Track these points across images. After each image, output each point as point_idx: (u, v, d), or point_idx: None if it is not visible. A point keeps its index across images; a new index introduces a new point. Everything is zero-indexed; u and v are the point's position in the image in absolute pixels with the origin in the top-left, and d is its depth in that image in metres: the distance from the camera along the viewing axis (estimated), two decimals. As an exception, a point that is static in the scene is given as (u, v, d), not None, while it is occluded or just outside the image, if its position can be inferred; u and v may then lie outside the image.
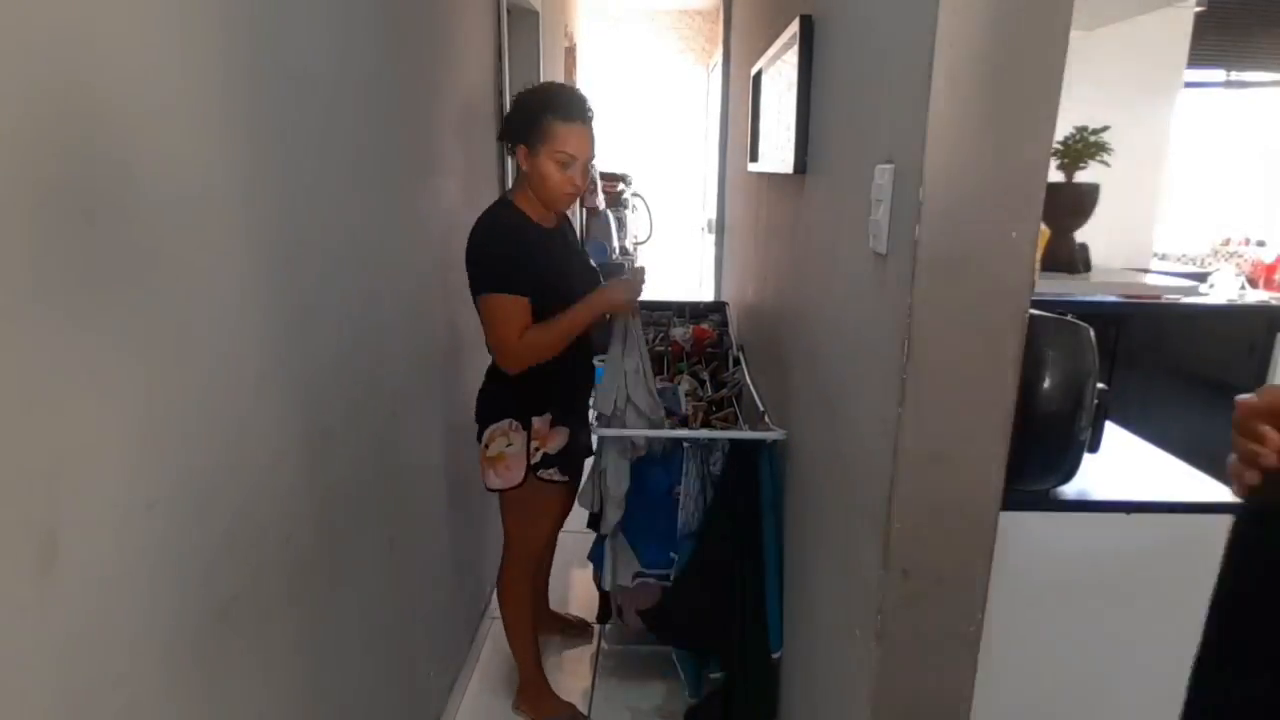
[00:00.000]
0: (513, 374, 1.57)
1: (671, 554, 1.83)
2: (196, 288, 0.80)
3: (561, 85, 1.63)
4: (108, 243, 0.67)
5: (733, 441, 1.66)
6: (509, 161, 2.47)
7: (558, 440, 1.67)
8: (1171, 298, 2.85)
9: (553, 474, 1.67)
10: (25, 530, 0.59)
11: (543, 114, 1.54)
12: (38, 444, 0.60)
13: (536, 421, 1.64)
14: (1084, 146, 2.08)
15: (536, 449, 1.64)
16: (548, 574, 2.11)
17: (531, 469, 1.65)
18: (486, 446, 1.65)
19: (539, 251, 1.59)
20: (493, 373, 1.69)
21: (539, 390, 1.63)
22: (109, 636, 0.69)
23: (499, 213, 1.60)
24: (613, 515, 1.77)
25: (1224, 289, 3.00)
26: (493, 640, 2.18)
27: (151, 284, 0.73)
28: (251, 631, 0.93)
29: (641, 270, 1.76)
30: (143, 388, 0.72)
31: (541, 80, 3.22)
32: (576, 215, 4.13)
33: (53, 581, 0.62)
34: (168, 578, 0.76)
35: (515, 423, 1.63)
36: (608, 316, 1.72)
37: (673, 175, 5.96)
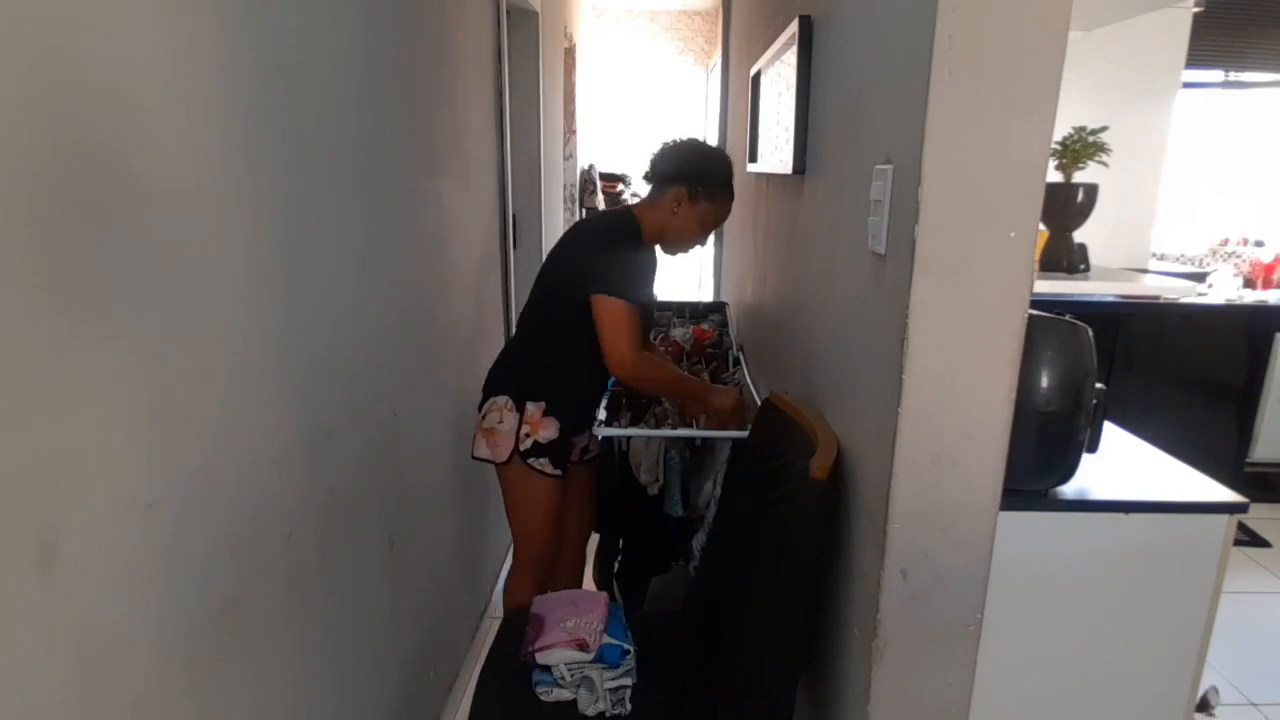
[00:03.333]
0: (619, 377, 1.65)
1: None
2: (196, 287, 0.80)
3: (733, 167, 1.76)
4: (107, 243, 0.67)
5: (733, 442, 1.67)
6: (508, 162, 2.47)
7: (548, 430, 1.68)
8: (1170, 298, 2.86)
9: (544, 464, 1.68)
10: (25, 530, 0.59)
11: (726, 185, 1.72)
12: (38, 444, 0.60)
13: (530, 406, 1.67)
14: (1082, 146, 2.09)
15: (527, 435, 1.67)
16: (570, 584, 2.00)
17: (521, 454, 1.67)
18: (484, 416, 1.70)
19: (651, 275, 1.75)
20: (510, 350, 1.78)
21: (542, 379, 1.68)
22: (109, 636, 0.69)
23: (627, 223, 1.69)
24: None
25: (1222, 289, 3.01)
26: (492, 640, 2.18)
27: (151, 284, 0.73)
28: (251, 631, 0.93)
29: (744, 403, 1.78)
30: (143, 388, 0.72)
31: (540, 82, 3.22)
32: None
33: (53, 582, 0.62)
34: (167, 578, 0.76)
35: (511, 402, 1.67)
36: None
37: (672, 176, 5.95)
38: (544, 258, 1.78)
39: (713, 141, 2.01)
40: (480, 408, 1.72)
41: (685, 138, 1.77)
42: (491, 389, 1.72)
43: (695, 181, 1.67)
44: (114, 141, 0.68)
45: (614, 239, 1.66)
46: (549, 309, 1.70)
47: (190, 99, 0.79)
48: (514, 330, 1.78)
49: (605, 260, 1.62)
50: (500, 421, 1.68)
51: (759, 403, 1.82)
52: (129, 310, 0.70)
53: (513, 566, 1.82)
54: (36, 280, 0.60)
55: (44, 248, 0.61)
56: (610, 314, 1.58)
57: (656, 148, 1.76)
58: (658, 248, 1.77)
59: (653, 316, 1.78)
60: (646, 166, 1.76)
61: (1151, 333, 2.84)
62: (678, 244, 1.75)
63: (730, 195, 1.73)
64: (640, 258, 1.69)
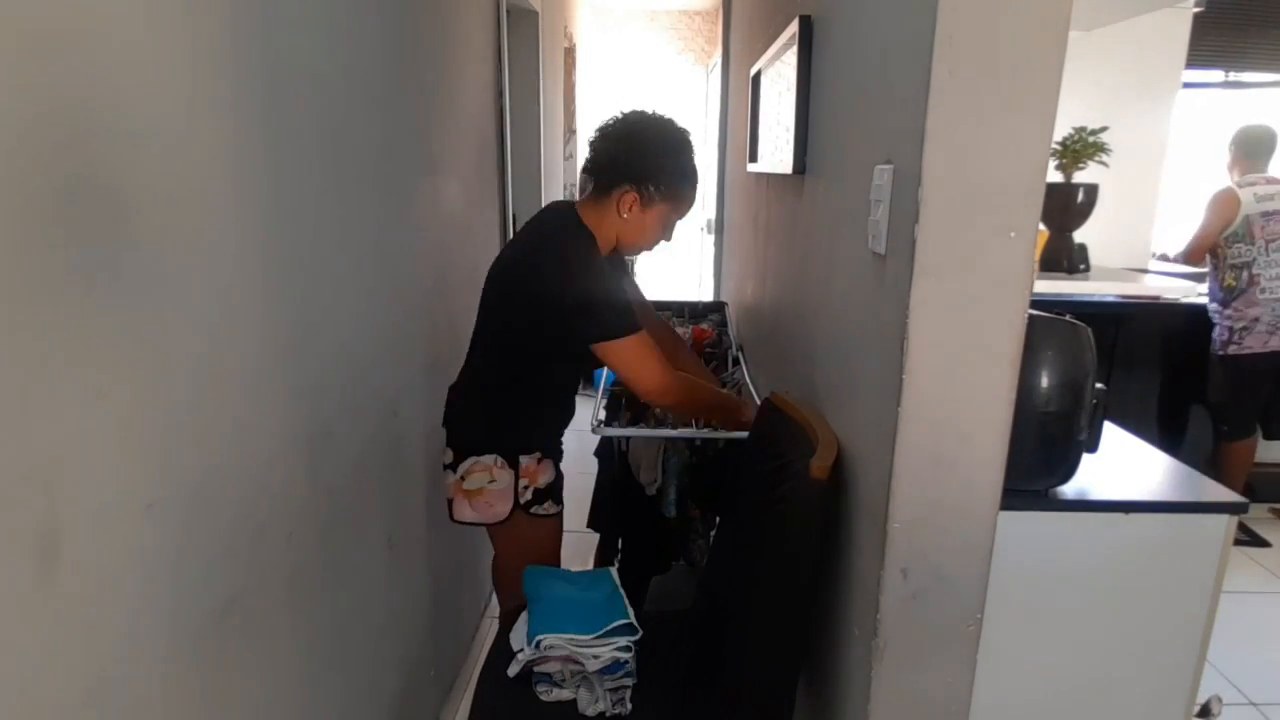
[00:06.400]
0: (660, 406, 1.60)
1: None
2: (197, 287, 0.80)
3: (683, 132, 1.50)
4: (108, 242, 0.67)
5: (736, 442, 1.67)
6: (508, 162, 2.47)
7: (547, 475, 1.55)
8: (1170, 298, 2.86)
9: (548, 507, 1.56)
10: (25, 530, 0.59)
11: (675, 172, 1.45)
12: (37, 444, 0.60)
13: (525, 460, 1.51)
14: (1083, 146, 2.09)
15: (526, 486, 1.52)
16: None
17: (523, 507, 1.53)
18: (463, 478, 1.50)
19: (616, 279, 1.54)
20: (472, 395, 1.55)
21: (526, 428, 1.53)
22: (109, 636, 0.69)
23: (586, 248, 1.44)
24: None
25: (1222, 289, 3.00)
26: (492, 640, 2.18)
27: (152, 284, 0.73)
28: (251, 631, 0.93)
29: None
30: (143, 387, 0.72)
31: (540, 82, 3.22)
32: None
33: (53, 581, 0.62)
34: (168, 578, 0.76)
35: (501, 460, 1.49)
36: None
37: (672, 175, 5.95)
38: None
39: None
40: (455, 466, 1.50)
41: (629, 119, 1.47)
42: (469, 447, 1.50)
43: (646, 179, 1.42)
44: (116, 141, 0.68)
45: (577, 269, 1.40)
46: (515, 352, 1.48)
47: (190, 99, 0.79)
48: (471, 363, 1.58)
49: (583, 301, 1.38)
50: (491, 481, 1.49)
51: (759, 403, 1.82)
52: (129, 310, 0.70)
53: (502, 598, 1.72)
54: (37, 280, 0.60)
55: (45, 247, 0.60)
56: (625, 356, 1.40)
57: (595, 132, 1.47)
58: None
59: (641, 308, 1.64)
60: (587, 154, 1.48)
61: (1151, 333, 2.84)
62: (634, 248, 1.53)
63: (691, 185, 1.48)
64: (612, 282, 1.46)
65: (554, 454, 1.59)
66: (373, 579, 1.35)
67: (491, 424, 1.52)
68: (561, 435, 1.64)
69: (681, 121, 1.51)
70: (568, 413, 1.64)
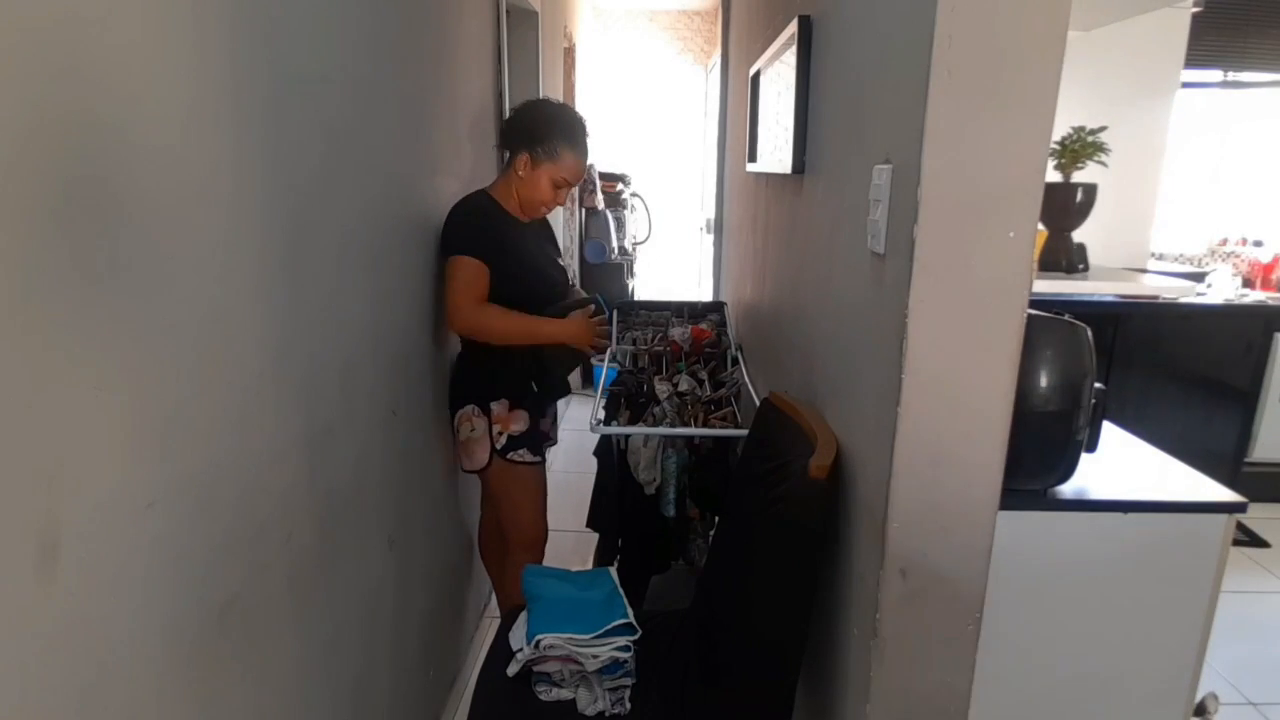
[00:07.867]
0: (458, 334, 1.70)
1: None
2: (197, 286, 0.80)
3: (575, 112, 1.78)
4: (108, 241, 0.67)
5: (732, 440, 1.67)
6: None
7: (519, 423, 1.76)
8: (1169, 298, 2.86)
9: (523, 454, 1.76)
10: (25, 530, 0.59)
11: (557, 137, 1.70)
12: (37, 444, 0.60)
13: (495, 407, 1.74)
14: (1081, 146, 2.09)
15: (500, 432, 1.74)
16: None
17: (498, 453, 1.74)
18: (457, 431, 1.76)
19: (505, 231, 1.73)
20: (459, 359, 1.82)
21: (492, 377, 1.75)
22: (109, 636, 0.69)
23: (473, 197, 1.75)
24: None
25: (1221, 289, 3.01)
26: (492, 640, 2.18)
27: (152, 283, 0.73)
28: (250, 631, 0.93)
29: (602, 323, 1.83)
30: (143, 387, 0.72)
31: (540, 82, 3.22)
32: (575, 215, 4.13)
33: (53, 581, 0.62)
34: (167, 577, 0.77)
35: (476, 408, 1.74)
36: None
37: (672, 175, 5.96)
38: None
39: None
40: (453, 424, 1.79)
41: (532, 101, 1.78)
42: (455, 402, 1.78)
43: (535, 143, 1.70)
44: (115, 140, 0.68)
45: (460, 213, 1.69)
46: None
47: (191, 99, 0.79)
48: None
49: (449, 231, 1.68)
50: (472, 430, 1.74)
51: (758, 402, 1.82)
52: (129, 309, 0.70)
53: (508, 564, 1.86)
54: (37, 279, 0.60)
55: (45, 247, 0.61)
56: (452, 271, 1.63)
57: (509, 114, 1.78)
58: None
59: (530, 270, 1.77)
60: (496, 139, 1.79)
61: (1150, 332, 2.84)
62: (532, 205, 1.76)
63: (575, 151, 1.73)
64: (482, 214, 1.70)
65: (527, 405, 1.77)
66: (372, 579, 1.35)
67: (466, 379, 1.78)
68: (536, 389, 1.80)
69: (579, 110, 1.82)
70: (526, 355, 1.77)
